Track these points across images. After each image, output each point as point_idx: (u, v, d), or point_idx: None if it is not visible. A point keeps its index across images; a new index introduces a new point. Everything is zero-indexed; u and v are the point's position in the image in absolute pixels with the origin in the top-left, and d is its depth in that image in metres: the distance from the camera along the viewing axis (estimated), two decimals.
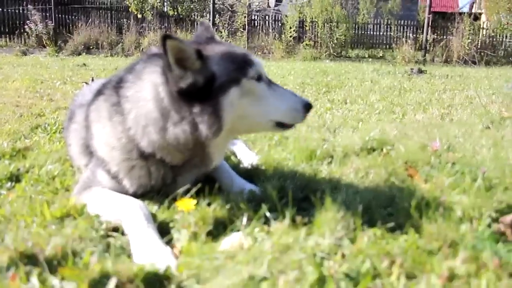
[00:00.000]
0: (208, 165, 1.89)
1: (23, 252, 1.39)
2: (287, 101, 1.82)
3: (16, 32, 15.12)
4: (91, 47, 14.32)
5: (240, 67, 1.71)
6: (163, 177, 1.86)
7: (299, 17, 16.02)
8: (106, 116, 1.84)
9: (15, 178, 2.19)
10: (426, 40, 14.29)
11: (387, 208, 1.79)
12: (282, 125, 1.84)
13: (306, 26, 15.96)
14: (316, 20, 15.49)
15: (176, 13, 17.47)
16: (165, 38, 1.56)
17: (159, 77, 1.69)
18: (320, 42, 15.22)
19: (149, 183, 1.86)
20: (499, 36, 15.73)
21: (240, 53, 1.78)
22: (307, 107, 1.84)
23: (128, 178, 1.84)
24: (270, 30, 15.70)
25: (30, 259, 1.38)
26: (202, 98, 1.64)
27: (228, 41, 14.01)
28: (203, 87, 1.63)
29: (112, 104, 1.83)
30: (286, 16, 16.02)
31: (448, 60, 14.44)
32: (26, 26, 14.60)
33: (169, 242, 1.54)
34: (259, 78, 1.76)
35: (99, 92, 1.99)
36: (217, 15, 15.40)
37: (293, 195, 1.84)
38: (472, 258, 1.41)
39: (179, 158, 1.80)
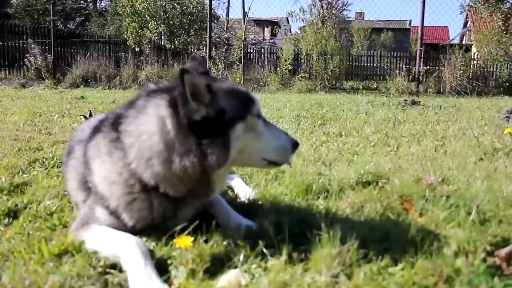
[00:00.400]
0: (210, 195, 1.92)
1: None
2: (279, 139, 1.91)
3: (16, 65, 15.30)
4: (89, 80, 14.46)
5: (245, 103, 1.80)
6: (164, 211, 1.86)
7: (294, 50, 16.31)
8: (105, 151, 1.86)
9: (13, 214, 2.19)
10: (419, 72, 14.52)
11: (383, 242, 1.80)
12: (273, 163, 1.95)
13: (301, 58, 16.25)
14: (311, 53, 15.77)
15: (173, 46, 17.76)
16: (183, 72, 1.62)
17: (166, 110, 1.73)
18: (315, 74, 15.44)
19: (149, 216, 1.86)
20: (490, 67, 16.03)
21: (243, 91, 1.88)
22: (295, 146, 1.95)
23: (128, 212, 1.84)
24: (266, 63, 15.94)
25: None
26: (211, 131, 1.70)
27: (225, 74, 14.20)
28: (214, 120, 1.70)
29: (111, 140, 1.85)
30: (281, 49, 16.30)
31: (441, 90, 14.66)
32: (25, 59, 14.77)
33: (167, 280, 1.54)
34: (259, 115, 1.86)
35: (96, 129, 2.02)
36: (213, 48, 15.64)
37: (290, 231, 1.86)
38: None
39: (182, 190, 1.81)
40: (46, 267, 1.56)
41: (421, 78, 14.89)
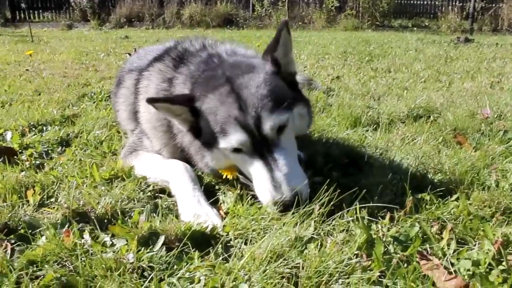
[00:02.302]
0: None
1: (75, 210, 1.44)
2: (257, 185, 1.51)
3: (62, 7, 15.45)
4: (133, 19, 14.43)
5: (215, 133, 1.55)
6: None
7: None
8: (152, 94, 1.84)
9: (65, 143, 2.25)
10: (474, 8, 13.58)
11: (436, 174, 1.74)
12: None
13: None
14: None
15: None
16: (150, 101, 1.57)
17: None
18: (362, 12, 14.76)
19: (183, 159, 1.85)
20: None
21: (222, 118, 1.53)
22: (283, 206, 1.42)
23: (166, 152, 1.88)
24: (311, 0, 15.34)
25: (82, 217, 1.43)
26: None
27: (269, 12, 13.79)
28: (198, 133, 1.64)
29: (164, 80, 1.84)
30: None
31: (498, 29, 13.71)
32: (71, 1, 14.89)
33: (215, 204, 1.55)
34: (236, 150, 1.54)
35: (157, 59, 1.99)
36: None
37: (339, 161, 1.82)
38: None
39: None
40: (98, 190, 1.61)
41: (476, 15, 13.95)
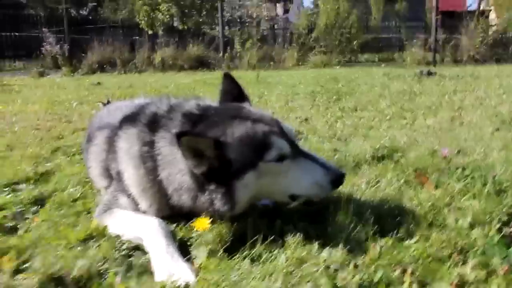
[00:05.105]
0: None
1: (51, 275, 1.47)
2: (310, 176, 1.74)
3: (33, 54, 15.49)
4: (105, 65, 14.55)
5: (257, 150, 1.70)
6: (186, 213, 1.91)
7: (309, 25, 16.08)
8: (138, 156, 1.89)
9: (40, 202, 2.27)
10: (435, 41, 14.19)
11: (398, 217, 1.83)
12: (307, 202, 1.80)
13: (316, 32, 15.95)
14: (326, 26, 15.51)
15: (186, 27, 17.69)
16: (180, 135, 1.63)
17: None
18: (331, 49, 15.23)
19: (170, 214, 1.92)
20: (510, 33, 15.57)
21: (260, 135, 1.73)
22: (337, 180, 1.75)
23: (153, 211, 1.92)
24: (280, 39, 15.79)
25: (58, 281, 1.46)
26: (218, 180, 1.70)
27: (240, 53, 14.11)
28: (220, 171, 1.68)
29: (145, 144, 1.89)
30: (295, 24, 16.10)
31: (458, 59, 14.32)
32: (42, 49, 14.95)
33: (188, 260, 1.60)
34: (281, 158, 1.71)
35: (129, 119, 2.06)
36: (226, 27, 15.55)
37: (306, 209, 1.90)
38: (482, 264, 1.45)
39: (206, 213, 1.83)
40: (74, 252, 1.64)
41: (437, 48, 14.57)
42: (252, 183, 1.70)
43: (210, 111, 1.89)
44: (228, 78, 2.13)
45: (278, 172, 1.72)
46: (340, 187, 1.82)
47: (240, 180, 1.68)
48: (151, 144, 1.87)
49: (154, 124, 1.92)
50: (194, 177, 1.74)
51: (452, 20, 16.24)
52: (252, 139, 1.71)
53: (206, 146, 1.66)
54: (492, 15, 16.04)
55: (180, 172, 1.78)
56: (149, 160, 1.86)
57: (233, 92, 2.10)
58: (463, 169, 2.43)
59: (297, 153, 1.76)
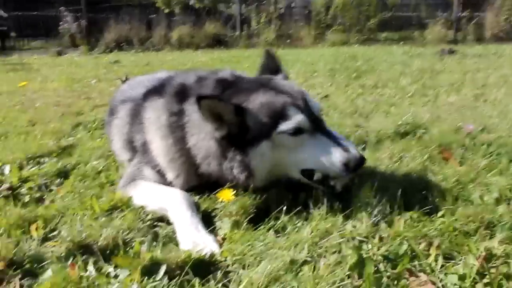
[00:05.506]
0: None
1: (78, 243, 1.50)
2: (325, 157, 1.69)
3: (51, 34, 15.58)
4: (122, 43, 14.56)
5: (274, 120, 1.70)
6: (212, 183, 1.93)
7: (326, 2, 15.81)
8: (166, 125, 1.91)
9: (64, 174, 2.31)
10: (458, 18, 13.84)
11: (423, 191, 1.81)
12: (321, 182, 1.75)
13: (334, 9, 15.69)
14: (344, 4, 15.25)
15: (202, 5, 17.55)
16: (199, 99, 1.65)
17: None
18: (349, 27, 14.99)
19: (197, 184, 1.94)
20: None
21: (279, 105, 1.72)
22: (354, 165, 1.67)
23: (179, 181, 1.95)
24: (298, 18, 15.58)
25: (85, 249, 1.48)
26: (237, 146, 1.72)
27: (257, 32, 13.99)
28: (238, 136, 1.71)
29: (173, 114, 1.90)
30: (313, 2, 15.85)
31: (481, 37, 13.96)
32: (59, 28, 15.02)
33: (212, 231, 1.61)
34: (297, 131, 1.69)
35: (154, 92, 2.08)
36: (243, 5, 15.39)
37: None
38: (510, 239, 1.43)
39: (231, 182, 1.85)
40: (99, 221, 1.66)
41: (460, 25, 14.22)
42: (267, 153, 1.70)
43: (242, 80, 1.92)
44: (268, 54, 2.16)
45: (293, 145, 1.71)
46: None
47: (255, 148, 1.70)
48: (179, 113, 1.88)
49: (182, 94, 1.93)
50: (218, 142, 1.75)
51: None
52: (270, 108, 1.72)
53: (225, 111, 1.68)
54: None
55: (206, 137, 1.79)
56: (177, 130, 1.87)
57: (271, 67, 2.12)
58: (488, 145, 2.40)
59: (317, 130, 1.74)
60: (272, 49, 2.22)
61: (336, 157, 1.66)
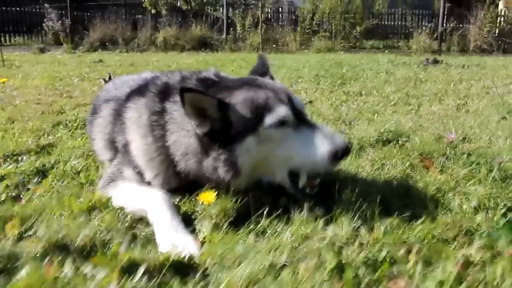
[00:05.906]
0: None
1: (55, 243, 1.46)
2: (312, 146, 1.68)
3: (34, 30, 15.38)
4: (107, 43, 14.47)
5: (258, 114, 1.69)
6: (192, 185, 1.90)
7: (313, 8, 15.93)
8: (147, 124, 1.89)
9: (42, 173, 2.26)
10: (444, 29, 14.07)
11: (403, 199, 1.82)
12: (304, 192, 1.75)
13: (322, 17, 15.82)
14: (331, 11, 15.38)
15: (189, 7, 17.53)
16: (182, 91, 1.62)
17: None
18: (335, 33, 15.13)
19: (177, 187, 1.92)
20: None
21: (262, 99, 1.72)
22: (339, 154, 1.65)
23: (157, 181, 1.92)
24: (285, 23, 15.65)
25: (62, 249, 1.45)
26: (221, 143, 1.69)
27: (243, 36, 14.01)
28: (221, 133, 1.69)
29: (154, 113, 1.88)
30: (300, 8, 15.95)
31: (465, 49, 14.21)
32: (43, 24, 14.82)
33: (192, 233, 1.60)
34: (282, 124, 1.69)
35: (138, 92, 2.05)
36: (230, 9, 15.42)
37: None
38: (487, 247, 1.45)
39: (211, 182, 1.83)
40: (77, 221, 1.63)
41: (444, 36, 14.45)
42: (253, 148, 1.69)
43: (226, 79, 1.92)
44: (261, 59, 2.22)
45: (278, 139, 1.70)
46: (345, 162, 1.79)
47: (241, 144, 1.68)
48: (160, 112, 1.86)
49: (165, 93, 1.91)
50: (199, 139, 1.73)
51: (460, 8, 16.05)
52: (254, 103, 1.71)
53: (209, 105, 1.66)
54: (501, 5, 15.82)
55: (187, 135, 1.77)
56: (157, 129, 1.85)
57: (260, 70, 2.15)
58: (469, 155, 2.43)
59: (301, 123, 1.74)
60: (265, 54, 2.24)
61: (323, 147, 1.65)
